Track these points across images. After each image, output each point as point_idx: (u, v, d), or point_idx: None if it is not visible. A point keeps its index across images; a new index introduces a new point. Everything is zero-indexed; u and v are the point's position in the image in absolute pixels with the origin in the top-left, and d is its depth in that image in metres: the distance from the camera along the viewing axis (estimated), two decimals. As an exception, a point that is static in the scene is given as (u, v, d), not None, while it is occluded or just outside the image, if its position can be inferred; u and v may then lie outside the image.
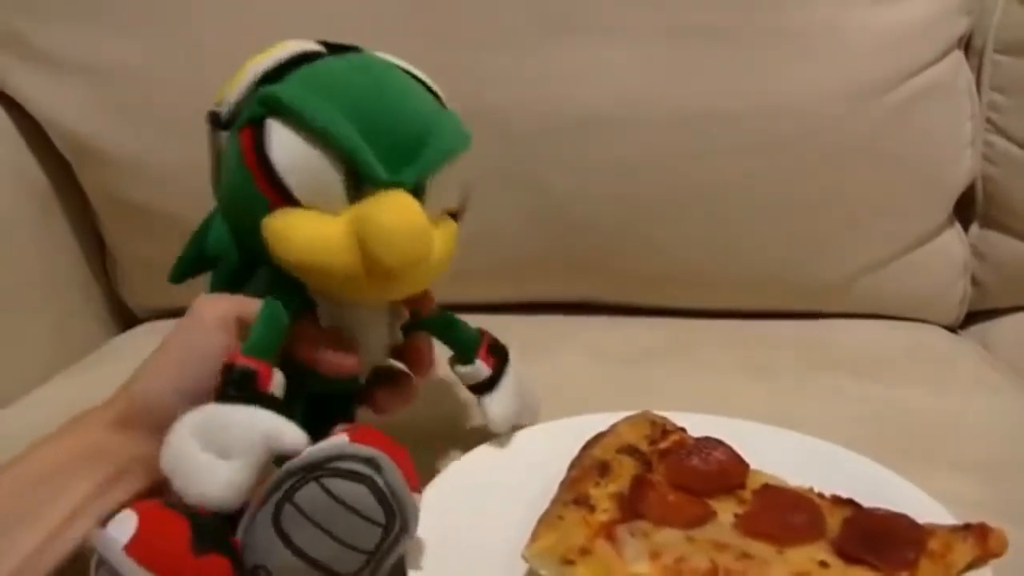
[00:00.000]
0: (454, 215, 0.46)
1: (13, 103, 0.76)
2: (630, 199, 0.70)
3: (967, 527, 0.43)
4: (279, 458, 0.38)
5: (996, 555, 0.42)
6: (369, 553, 0.38)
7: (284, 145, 0.39)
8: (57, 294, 0.78)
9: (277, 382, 0.40)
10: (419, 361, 0.48)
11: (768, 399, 0.59)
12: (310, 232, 0.39)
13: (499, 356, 0.50)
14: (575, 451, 0.50)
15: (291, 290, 0.42)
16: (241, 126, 0.41)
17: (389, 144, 0.40)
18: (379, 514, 0.37)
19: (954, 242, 0.77)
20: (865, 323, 0.75)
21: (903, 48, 0.71)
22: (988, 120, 0.76)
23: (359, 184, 0.40)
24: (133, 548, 0.35)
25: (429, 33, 0.66)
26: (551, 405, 0.55)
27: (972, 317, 0.81)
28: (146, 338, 0.66)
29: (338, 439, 0.38)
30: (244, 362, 0.39)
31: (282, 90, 0.40)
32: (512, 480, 0.49)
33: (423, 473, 0.42)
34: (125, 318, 0.83)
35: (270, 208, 0.40)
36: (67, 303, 0.79)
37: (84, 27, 0.72)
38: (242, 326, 0.41)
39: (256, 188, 0.40)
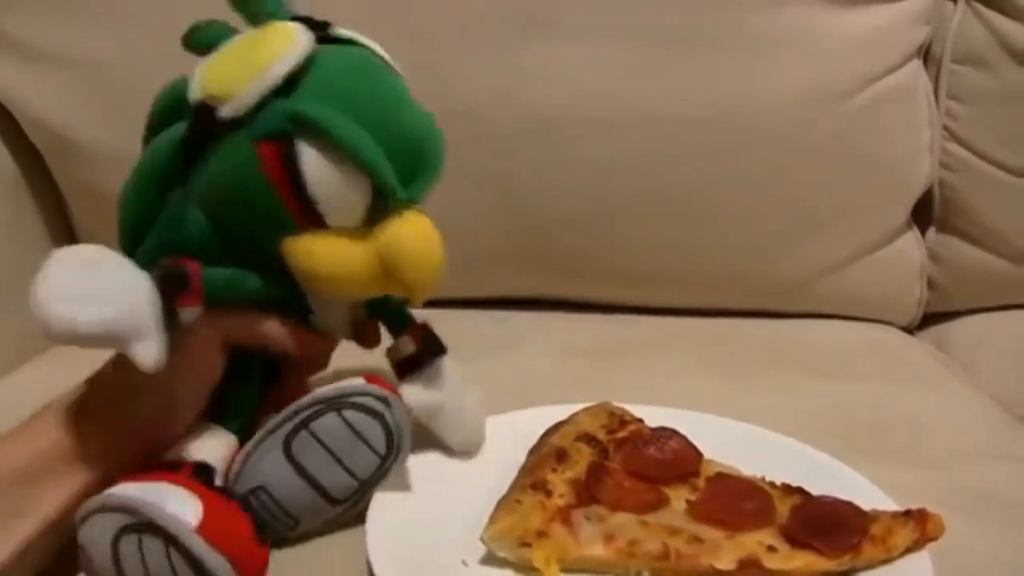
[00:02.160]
0: None
1: (-17, 91, 0.76)
2: (597, 198, 0.72)
3: (907, 513, 0.45)
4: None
5: (933, 539, 0.44)
6: (362, 482, 0.44)
7: (318, 169, 0.40)
8: (27, 284, 0.78)
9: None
10: (367, 336, 0.51)
11: (726, 394, 0.61)
12: (336, 257, 0.41)
13: (430, 347, 0.50)
14: (535, 440, 0.51)
15: (281, 285, 0.44)
16: (262, 137, 0.40)
17: (401, 160, 0.41)
18: (383, 446, 0.44)
19: (912, 246, 0.80)
20: (824, 323, 0.77)
21: (865, 54, 0.73)
22: (945, 127, 0.78)
23: (377, 203, 0.41)
24: (204, 530, 0.37)
25: (400, 31, 0.66)
26: (515, 399, 0.56)
27: (929, 319, 0.84)
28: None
29: (356, 380, 0.44)
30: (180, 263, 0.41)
31: (313, 110, 0.39)
32: (474, 467, 0.50)
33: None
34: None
35: (297, 227, 0.41)
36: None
37: (60, 18, 0.72)
38: (229, 341, 0.44)
39: (282, 205, 0.40)
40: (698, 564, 0.43)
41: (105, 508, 0.37)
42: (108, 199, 0.75)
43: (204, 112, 0.41)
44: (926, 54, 0.78)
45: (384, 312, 0.51)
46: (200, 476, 0.41)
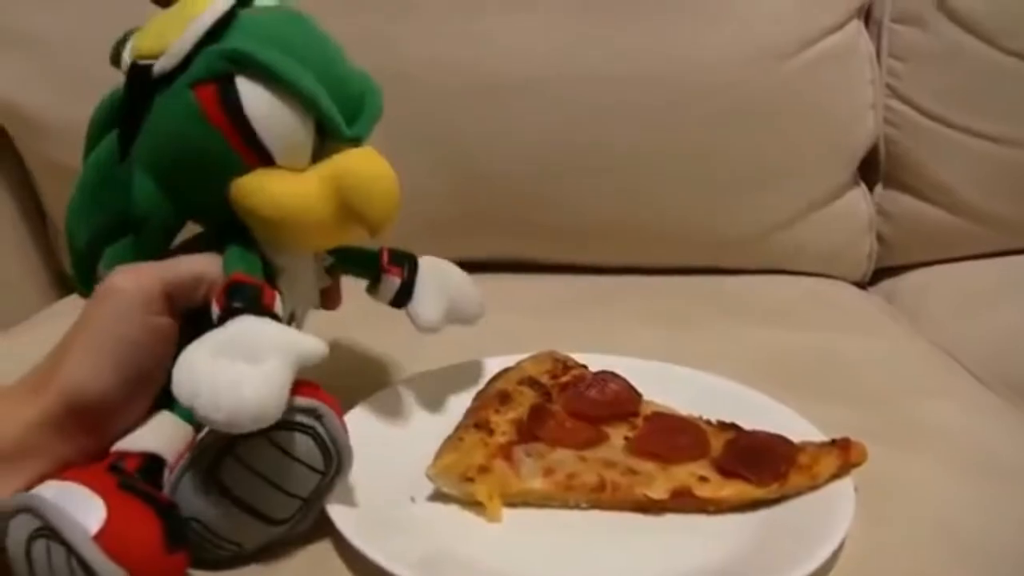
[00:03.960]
0: None
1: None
2: (543, 158, 0.73)
3: (833, 442, 0.47)
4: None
5: (856, 465, 0.46)
6: (304, 500, 0.40)
7: (259, 104, 0.39)
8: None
9: (279, 303, 0.40)
10: (331, 297, 0.51)
11: (670, 342, 0.63)
12: (287, 189, 0.40)
13: (404, 264, 0.51)
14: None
15: (240, 245, 0.42)
16: (198, 81, 0.39)
17: (342, 100, 0.42)
18: (319, 461, 0.39)
19: (859, 201, 0.82)
20: (774, 278, 0.79)
21: (806, 15, 0.75)
22: (888, 86, 0.81)
23: (323, 141, 0.42)
24: (103, 538, 0.34)
25: None
26: (464, 354, 0.57)
27: (880, 274, 0.86)
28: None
29: None
30: (250, 280, 0.40)
31: (250, 46, 0.39)
32: (421, 414, 0.52)
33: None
34: (65, 284, 0.85)
35: (244, 167, 0.40)
36: (3, 269, 0.81)
37: (14, -4, 0.73)
38: (169, 299, 0.40)
39: (228, 146, 0.40)
40: (632, 494, 0.45)
41: (19, 509, 0.36)
42: (69, 173, 0.77)
43: (138, 73, 0.41)
44: (867, 15, 0.80)
45: (352, 259, 0.50)
46: (144, 471, 0.39)
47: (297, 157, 0.41)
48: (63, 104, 0.74)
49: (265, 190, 0.40)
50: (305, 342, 0.38)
